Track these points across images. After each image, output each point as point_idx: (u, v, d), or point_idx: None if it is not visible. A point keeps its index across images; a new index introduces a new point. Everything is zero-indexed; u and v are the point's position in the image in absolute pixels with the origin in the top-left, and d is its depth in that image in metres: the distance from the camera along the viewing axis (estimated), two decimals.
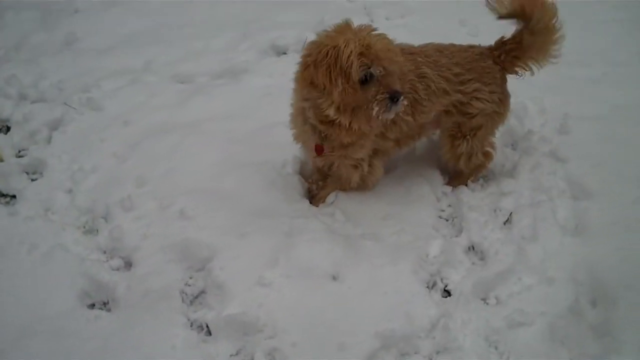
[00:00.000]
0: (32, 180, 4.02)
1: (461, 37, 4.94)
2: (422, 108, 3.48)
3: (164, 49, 5.14)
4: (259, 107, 4.46)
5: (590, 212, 3.56)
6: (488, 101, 3.58)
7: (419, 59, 3.47)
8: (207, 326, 3.12)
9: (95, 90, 4.63)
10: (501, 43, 3.62)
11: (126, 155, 4.06)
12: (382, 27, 4.79)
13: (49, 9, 5.69)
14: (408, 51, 3.47)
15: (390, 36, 3.17)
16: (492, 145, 3.89)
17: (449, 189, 3.87)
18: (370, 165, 3.63)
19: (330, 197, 3.78)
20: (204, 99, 4.53)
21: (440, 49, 3.62)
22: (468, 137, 3.67)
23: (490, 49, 3.64)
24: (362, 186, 3.75)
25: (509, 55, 3.58)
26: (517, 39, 3.53)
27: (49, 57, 5.02)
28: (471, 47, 3.67)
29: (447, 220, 3.71)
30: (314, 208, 3.72)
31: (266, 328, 3.03)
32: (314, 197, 3.86)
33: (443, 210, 3.76)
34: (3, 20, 5.56)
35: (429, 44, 3.67)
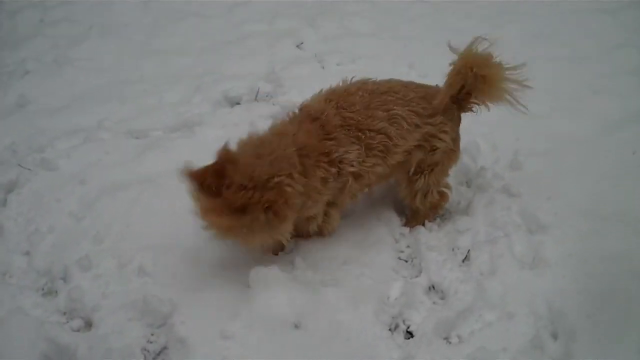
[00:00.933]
0: None
1: (412, 79, 5.06)
2: (394, 149, 3.49)
3: (118, 106, 5.14)
4: (213, 158, 4.48)
5: (545, 245, 3.62)
6: (450, 136, 3.65)
7: (389, 98, 3.50)
8: None
9: (49, 150, 4.60)
10: None
11: (83, 214, 4.03)
12: (334, 72, 4.94)
13: None
14: (378, 91, 3.52)
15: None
16: (448, 186, 3.96)
17: (406, 230, 3.91)
18: (326, 215, 3.62)
19: (290, 245, 3.79)
20: (159, 153, 4.52)
21: (405, 84, 3.68)
22: (425, 172, 3.71)
23: None
24: (320, 234, 3.77)
25: (461, 91, 3.65)
26: None
27: (1, 120, 4.99)
28: (430, 85, 3.75)
29: (406, 262, 3.74)
30: (273, 256, 3.72)
31: None
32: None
33: (402, 252, 3.79)
34: None
35: (393, 79, 3.73)
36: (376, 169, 3.48)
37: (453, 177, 4.17)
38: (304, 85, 5.14)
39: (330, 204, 3.58)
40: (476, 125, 4.45)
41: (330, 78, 5.13)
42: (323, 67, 5.44)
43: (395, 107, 3.47)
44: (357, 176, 3.42)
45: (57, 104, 5.22)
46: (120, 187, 4.21)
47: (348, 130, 3.36)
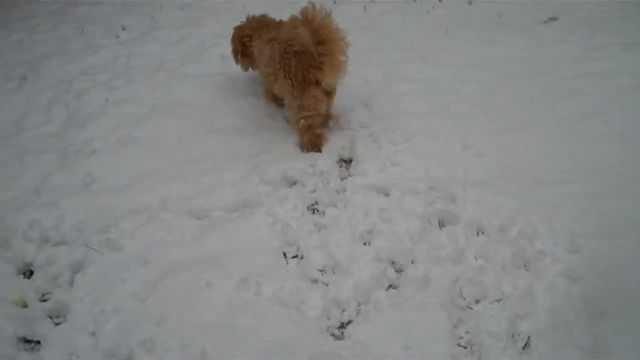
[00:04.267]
0: (56, 324, 4.08)
1: (466, 159, 5.13)
2: None
3: (179, 185, 5.28)
4: (273, 238, 4.59)
5: (607, 332, 3.59)
6: None
7: None
8: None
9: (114, 230, 4.74)
10: None
11: (146, 295, 4.14)
12: (389, 151, 5.06)
13: (67, 150, 5.88)
14: None
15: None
16: None
17: (465, 313, 3.92)
18: None
19: (349, 330, 3.85)
20: (219, 234, 4.64)
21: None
22: None
23: None
24: None
25: None
26: None
27: (68, 198, 5.16)
28: None
29: (465, 348, 3.72)
30: (333, 342, 3.77)
31: None
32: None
33: (461, 338, 3.78)
34: (24, 164, 5.75)
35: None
36: None
37: (509, 260, 4.20)
38: (362, 164, 5.25)
39: None
40: (531, 208, 4.49)
41: (386, 157, 5.26)
42: (379, 147, 5.52)
43: None
44: None
45: (122, 182, 5.38)
46: (181, 267, 4.33)
47: None
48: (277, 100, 6.31)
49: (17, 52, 8.72)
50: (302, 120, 5.50)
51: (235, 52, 6.45)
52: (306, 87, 5.24)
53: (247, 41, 6.21)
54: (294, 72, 5.19)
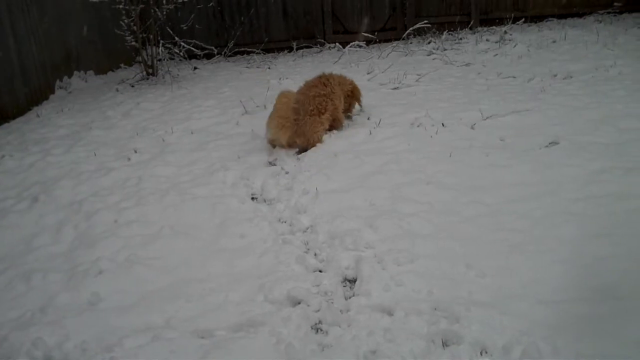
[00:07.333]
0: None
1: (470, 279, 5.17)
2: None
3: (184, 304, 5.32)
4: (276, 359, 4.57)
5: None
6: None
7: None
8: None
9: (117, 349, 4.73)
10: None
11: None
12: (394, 272, 5.10)
13: (74, 270, 5.96)
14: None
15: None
16: None
17: None
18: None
19: None
20: (222, 355, 4.62)
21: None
22: None
23: None
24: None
25: None
26: None
27: (74, 317, 5.18)
28: None
29: None
30: None
31: None
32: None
33: None
34: (30, 283, 5.81)
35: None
36: None
37: None
38: (367, 284, 5.29)
39: None
40: (536, 328, 4.47)
41: (390, 278, 5.32)
42: (384, 269, 5.57)
43: None
44: None
45: (127, 302, 5.42)
46: None
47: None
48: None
49: (30, 174, 8.95)
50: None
51: None
52: None
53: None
54: None
